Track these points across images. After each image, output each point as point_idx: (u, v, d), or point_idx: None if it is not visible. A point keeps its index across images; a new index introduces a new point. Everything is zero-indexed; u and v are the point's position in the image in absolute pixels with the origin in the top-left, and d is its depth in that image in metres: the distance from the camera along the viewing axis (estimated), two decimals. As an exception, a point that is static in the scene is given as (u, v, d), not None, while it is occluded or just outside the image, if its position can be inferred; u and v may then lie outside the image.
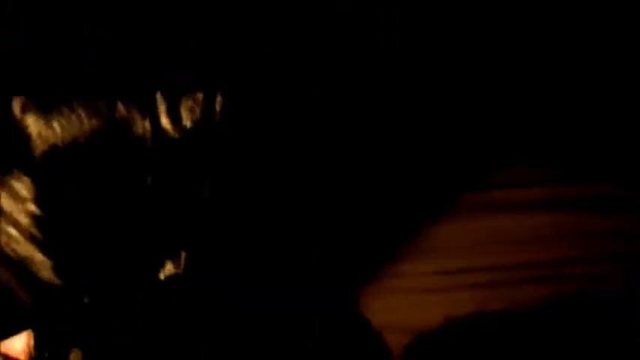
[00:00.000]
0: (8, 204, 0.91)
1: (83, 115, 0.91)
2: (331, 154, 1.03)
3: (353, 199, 1.07)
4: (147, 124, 0.91)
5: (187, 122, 0.91)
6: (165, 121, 0.91)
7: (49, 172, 0.91)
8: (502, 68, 1.17)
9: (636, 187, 1.11)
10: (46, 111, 0.91)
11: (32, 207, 0.90)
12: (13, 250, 0.90)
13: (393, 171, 1.12)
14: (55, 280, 0.89)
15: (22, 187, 0.90)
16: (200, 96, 0.91)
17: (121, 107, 0.91)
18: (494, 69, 1.16)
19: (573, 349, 0.97)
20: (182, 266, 0.90)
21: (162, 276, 0.89)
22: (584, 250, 1.06)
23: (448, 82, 1.15)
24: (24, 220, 0.90)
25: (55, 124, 0.91)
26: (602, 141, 1.16)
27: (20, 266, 0.90)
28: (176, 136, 0.91)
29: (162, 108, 0.91)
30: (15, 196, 0.91)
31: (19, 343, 0.89)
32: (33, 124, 0.91)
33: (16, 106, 0.91)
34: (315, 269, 1.01)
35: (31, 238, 0.90)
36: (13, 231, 0.90)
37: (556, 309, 1.00)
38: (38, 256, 0.90)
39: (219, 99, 0.91)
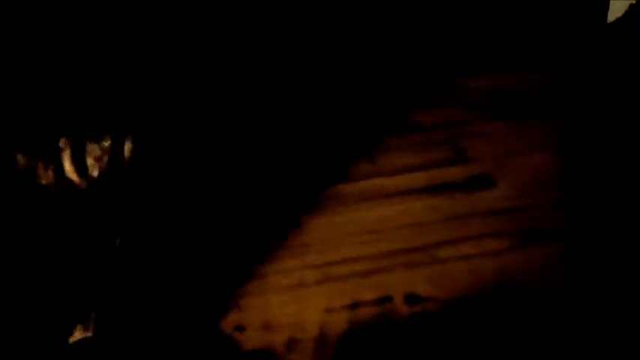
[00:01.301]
0: None
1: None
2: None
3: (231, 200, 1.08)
4: (50, 174, 0.84)
5: (94, 171, 0.86)
6: (69, 170, 0.85)
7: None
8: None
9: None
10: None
11: None
12: None
13: (264, 168, 1.13)
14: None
15: None
16: (107, 143, 0.86)
17: (20, 158, 0.83)
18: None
19: (453, 332, 1.06)
20: (92, 329, 0.88)
21: (71, 340, 0.87)
22: (459, 231, 1.14)
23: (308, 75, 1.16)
24: None
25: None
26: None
27: None
28: (83, 185, 0.86)
29: (66, 156, 0.85)
30: None
31: None
32: None
33: None
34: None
35: None
36: None
37: (434, 294, 1.09)
38: None
39: (128, 145, 0.86)
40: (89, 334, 0.88)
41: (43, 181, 0.84)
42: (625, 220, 1.13)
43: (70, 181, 0.85)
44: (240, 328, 1.06)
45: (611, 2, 1.37)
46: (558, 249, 1.12)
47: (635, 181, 1.18)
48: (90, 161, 0.85)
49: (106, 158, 0.86)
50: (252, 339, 1.06)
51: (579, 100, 1.27)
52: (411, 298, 1.08)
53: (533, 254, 1.12)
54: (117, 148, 0.86)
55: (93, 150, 0.85)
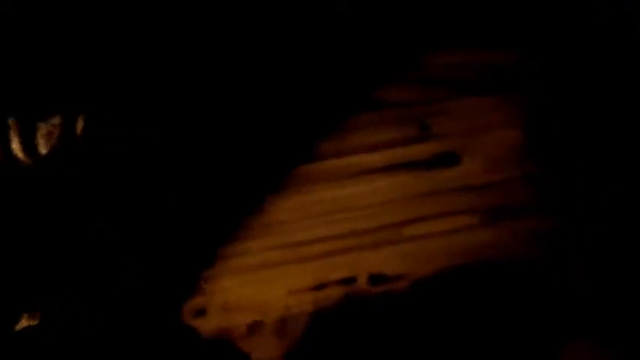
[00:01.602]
0: None
1: None
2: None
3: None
4: (-2, 154, 0.81)
5: (43, 149, 0.82)
6: (16, 148, 0.82)
7: None
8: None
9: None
10: None
11: None
12: None
13: (227, 149, 1.11)
14: None
15: None
16: (58, 120, 0.82)
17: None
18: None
19: (421, 309, 1.05)
20: (38, 318, 0.85)
21: (17, 328, 0.84)
22: (425, 209, 1.13)
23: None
24: None
25: None
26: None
27: None
28: (30, 163, 0.82)
29: (14, 134, 0.81)
30: None
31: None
32: None
33: None
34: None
35: None
36: None
37: (401, 272, 1.07)
38: None
39: (80, 122, 0.83)
40: (35, 321, 0.84)
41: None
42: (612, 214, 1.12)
43: (17, 158, 0.82)
44: (202, 312, 1.04)
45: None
46: (527, 225, 1.11)
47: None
48: (40, 139, 0.82)
49: (56, 135, 0.82)
50: (213, 322, 1.03)
51: (549, 85, 1.25)
52: (378, 278, 1.06)
53: (501, 230, 1.10)
54: (68, 125, 0.82)
55: (43, 128, 0.82)
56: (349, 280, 1.06)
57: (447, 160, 1.18)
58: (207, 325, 1.03)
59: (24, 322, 0.84)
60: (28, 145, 0.82)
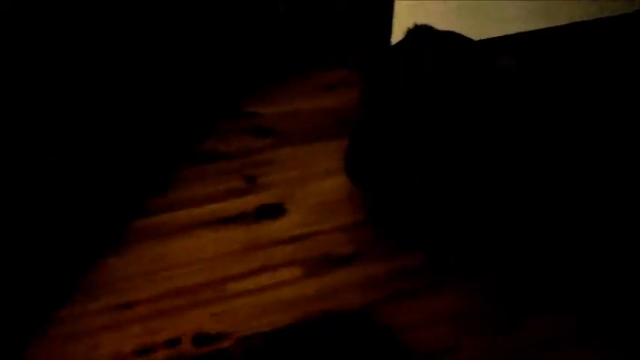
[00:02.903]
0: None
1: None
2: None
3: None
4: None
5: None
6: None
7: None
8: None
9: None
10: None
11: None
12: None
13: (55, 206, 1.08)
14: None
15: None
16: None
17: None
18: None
19: None
20: None
21: None
22: (249, 264, 1.13)
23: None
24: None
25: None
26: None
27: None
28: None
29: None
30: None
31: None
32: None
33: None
34: None
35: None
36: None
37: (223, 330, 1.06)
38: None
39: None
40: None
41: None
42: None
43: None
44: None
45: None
46: (349, 272, 1.13)
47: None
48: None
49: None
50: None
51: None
52: (202, 338, 1.06)
53: (325, 281, 1.12)
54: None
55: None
56: (174, 342, 1.06)
57: (272, 211, 1.19)
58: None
59: None
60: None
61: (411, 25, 1.16)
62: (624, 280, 1.09)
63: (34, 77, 1.17)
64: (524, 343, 1.02)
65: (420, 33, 1.15)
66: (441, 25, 1.13)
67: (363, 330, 1.06)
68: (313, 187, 1.22)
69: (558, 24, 1.52)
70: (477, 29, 1.19)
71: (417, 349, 1.01)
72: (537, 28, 1.50)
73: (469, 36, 1.14)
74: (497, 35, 1.45)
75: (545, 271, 1.11)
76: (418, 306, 1.08)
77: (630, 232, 1.15)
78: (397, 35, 1.32)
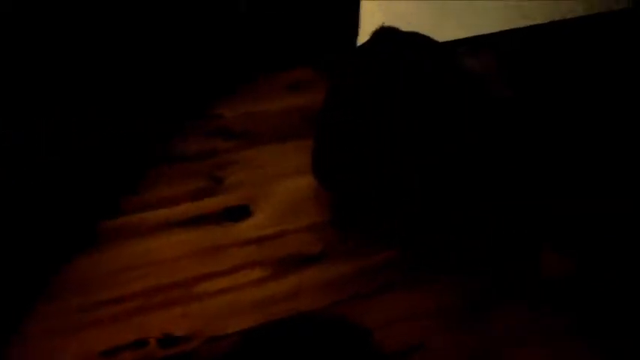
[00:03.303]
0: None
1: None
2: None
3: None
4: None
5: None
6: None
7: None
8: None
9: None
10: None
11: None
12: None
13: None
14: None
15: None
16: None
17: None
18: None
19: None
20: None
21: None
22: (217, 264, 1.12)
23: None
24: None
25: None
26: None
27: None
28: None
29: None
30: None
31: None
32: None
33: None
34: None
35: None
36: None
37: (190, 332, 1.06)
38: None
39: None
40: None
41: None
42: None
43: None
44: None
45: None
46: (317, 271, 1.13)
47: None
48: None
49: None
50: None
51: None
52: (168, 340, 1.05)
53: (292, 281, 1.11)
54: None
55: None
56: (140, 343, 1.04)
57: (239, 212, 1.19)
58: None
59: None
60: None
61: (377, 25, 1.17)
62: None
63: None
64: (496, 340, 1.02)
65: (385, 34, 1.16)
66: (408, 26, 1.14)
67: (332, 330, 1.06)
68: (280, 187, 1.22)
69: (536, 23, 1.53)
70: (448, 30, 1.20)
71: (387, 348, 1.01)
72: (513, 27, 1.51)
73: (436, 37, 1.14)
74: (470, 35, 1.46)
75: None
76: (388, 304, 1.08)
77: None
78: (363, 35, 1.33)
